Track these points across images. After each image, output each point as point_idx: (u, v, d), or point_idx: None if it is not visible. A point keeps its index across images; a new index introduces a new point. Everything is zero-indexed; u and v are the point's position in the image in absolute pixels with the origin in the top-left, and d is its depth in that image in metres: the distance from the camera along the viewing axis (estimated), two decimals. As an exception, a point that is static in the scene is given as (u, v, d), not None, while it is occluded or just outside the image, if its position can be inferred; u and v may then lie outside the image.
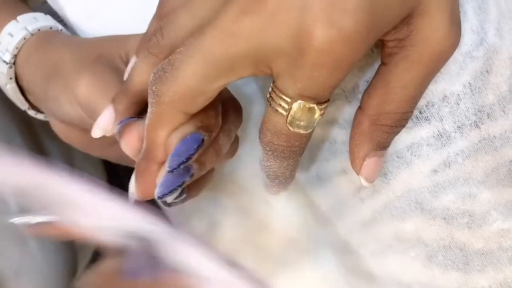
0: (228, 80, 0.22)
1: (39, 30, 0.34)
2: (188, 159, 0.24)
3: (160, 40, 0.24)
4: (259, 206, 0.35)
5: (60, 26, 0.35)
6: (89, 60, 0.30)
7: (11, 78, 0.34)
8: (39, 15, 0.35)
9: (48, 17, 0.36)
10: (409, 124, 0.27)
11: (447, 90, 0.26)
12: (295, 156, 0.24)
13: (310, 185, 0.31)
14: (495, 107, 0.26)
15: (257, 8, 0.21)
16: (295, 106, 0.22)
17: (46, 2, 0.38)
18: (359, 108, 0.25)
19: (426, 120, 0.26)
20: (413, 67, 0.23)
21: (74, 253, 0.45)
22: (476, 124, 0.26)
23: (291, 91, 0.22)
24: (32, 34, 0.34)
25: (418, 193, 0.28)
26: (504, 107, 0.26)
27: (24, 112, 0.38)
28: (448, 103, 0.26)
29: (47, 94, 0.31)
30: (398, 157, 0.27)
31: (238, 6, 0.21)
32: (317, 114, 0.22)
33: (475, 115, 0.26)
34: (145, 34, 0.26)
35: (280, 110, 0.22)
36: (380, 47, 0.24)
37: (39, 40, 0.34)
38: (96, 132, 0.27)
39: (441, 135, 0.26)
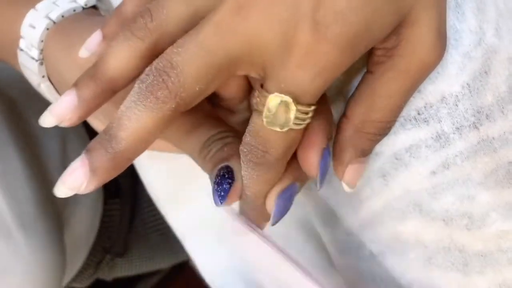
0: (225, 78, 0.22)
1: (63, 16, 0.31)
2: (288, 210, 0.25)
3: (149, 23, 0.22)
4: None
5: (82, 3, 0.32)
6: None
7: (43, 76, 0.31)
8: None
9: None
10: (408, 125, 0.26)
11: (445, 91, 0.26)
12: (267, 166, 0.23)
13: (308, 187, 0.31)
14: (494, 108, 0.26)
15: (252, 3, 0.20)
16: (271, 97, 0.21)
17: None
18: (344, 115, 0.25)
19: (425, 121, 0.26)
20: (400, 77, 0.23)
21: (63, 251, 0.44)
22: (475, 125, 0.26)
23: (274, 89, 0.21)
24: (55, 23, 0.30)
25: (417, 195, 0.28)
26: (503, 108, 0.26)
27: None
28: (446, 104, 0.26)
29: None
30: (396, 159, 0.27)
31: (235, 0, 0.20)
32: (292, 112, 0.21)
33: (474, 116, 0.26)
34: (120, 14, 0.25)
35: (260, 113, 0.22)
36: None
37: (64, 30, 0.30)
38: (48, 120, 0.24)
39: (439, 137, 0.26)
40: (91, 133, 0.53)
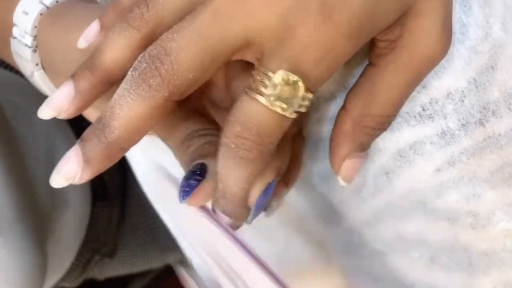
0: (220, 66, 0.21)
1: (57, 2, 0.30)
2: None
3: (145, 13, 0.21)
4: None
5: None
6: None
7: (37, 64, 0.30)
8: None
9: None
10: (412, 121, 0.26)
11: (451, 86, 0.25)
12: (259, 161, 0.21)
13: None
14: (501, 104, 0.25)
15: None
16: (279, 75, 0.20)
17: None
18: (343, 107, 0.24)
19: (430, 117, 0.26)
20: (402, 70, 0.22)
21: (43, 255, 0.43)
22: (481, 122, 0.25)
23: (276, 67, 0.20)
24: (48, 8, 0.29)
25: (421, 193, 0.27)
26: (509, 104, 0.25)
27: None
28: (452, 100, 0.25)
29: None
30: (400, 156, 0.27)
31: None
32: (301, 92, 0.20)
33: (480, 112, 0.25)
34: (118, 3, 0.24)
35: (257, 95, 0.20)
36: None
37: (58, 14, 0.29)
38: (45, 112, 0.23)
39: (445, 133, 0.26)
40: (78, 133, 0.52)
